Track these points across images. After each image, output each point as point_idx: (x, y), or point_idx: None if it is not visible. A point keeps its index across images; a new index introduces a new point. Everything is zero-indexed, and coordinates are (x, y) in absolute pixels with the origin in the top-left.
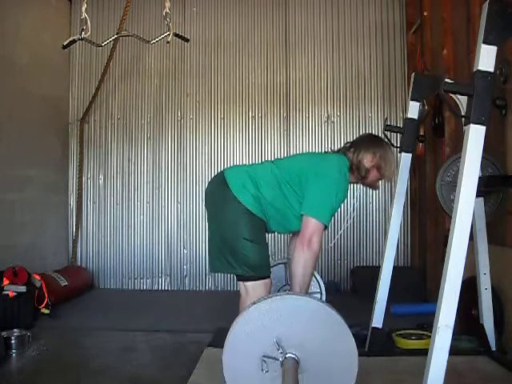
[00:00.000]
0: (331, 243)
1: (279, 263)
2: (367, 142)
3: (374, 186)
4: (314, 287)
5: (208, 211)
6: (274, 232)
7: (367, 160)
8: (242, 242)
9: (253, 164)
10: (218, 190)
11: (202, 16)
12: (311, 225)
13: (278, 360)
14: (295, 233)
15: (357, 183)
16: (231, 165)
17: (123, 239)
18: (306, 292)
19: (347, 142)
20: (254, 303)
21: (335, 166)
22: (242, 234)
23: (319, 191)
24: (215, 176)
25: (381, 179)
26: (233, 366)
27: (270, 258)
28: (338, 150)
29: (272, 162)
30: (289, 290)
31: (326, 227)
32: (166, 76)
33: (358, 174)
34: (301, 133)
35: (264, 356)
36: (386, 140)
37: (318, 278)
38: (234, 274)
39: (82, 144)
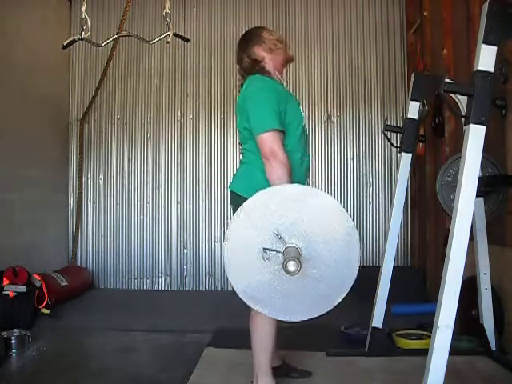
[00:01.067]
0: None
1: None
2: (240, 49)
3: (288, 60)
4: None
5: None
6: None
7: (253, 58)
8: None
9: None
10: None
11: (201, 16)
12: (264, 139)
13: (280, 252)
14: None
15: (281, 72)
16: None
17: (123, 239)
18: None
19: (239, 71)
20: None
21: (248, 85)
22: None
23: (252, 110)
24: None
25: (275, 51)
26: (235, 257)
27: None
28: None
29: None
30: None
31: (279, 131)
32: (166, 76)
33: (267, 71)
34: None
35: (265, 248)
36: (387, 140)
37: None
38: None
39: (82, 144)
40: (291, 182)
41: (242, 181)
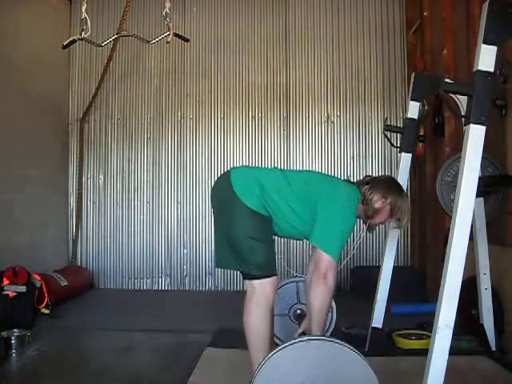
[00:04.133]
0: (346, 259)
1: (290, 282)
2: (384, 183)
3: (372, 228)
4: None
5: (214, 209)
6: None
7: (377, 201)
8: (248, 241)
9: (261, 168)
10: (223, 190)
11: (201, 16)
12: (325, 261)
13: None
14: (313, 255)
15: (361, 219)
16: (231, 165)
17: (123, 239)
18: (324, 325)
19: (366, 176)
20: (276, 350)
21: (347, 195)
22: (248, 233)
23: (329, 219)
24: (222, 175)
25: (384, 223)
26: None
27: (278, 263)
28: (357, 182)
29: (281, 170)
30: (301, 311)
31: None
32: (166, 76)
33: (366, 211)
34: (301, 133)
35: None
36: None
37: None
38: (239, 271)
39: (82, 144)
40: (329, 307)
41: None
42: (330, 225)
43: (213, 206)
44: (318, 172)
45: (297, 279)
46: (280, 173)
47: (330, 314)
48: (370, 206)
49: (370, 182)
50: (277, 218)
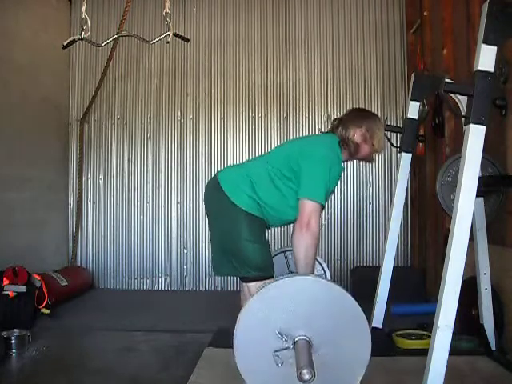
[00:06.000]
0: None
1: (279, 252)
2: (353, 116)
3: (368, 160)
4: (317, 271)
5: (208, 216)
6: (272, 227)
7: (355, 135)
8: (243, 244)
9: (246, 162)
10: (214, 195)
11: (201, 16)
12: (308, 207)
13: (290, 348)
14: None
15: (351, 160)
16: (231, 165)
17: (123, 239)
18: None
19: (334, 120)
20: (252, 297)
21: (324, 144)
22: (242, 236)
23: (311, 172)
24: (210, 180)
25: (373, 152)
26: (249, 368)
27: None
28: (330, 130)
29: (264, 156)
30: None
31: (322, 207)
32: (166, 76)
33: (349, 151)
34: (301, 133)
35: (275, 351)
36: (387, 140)
37: (321, 260)
38: (237, 276)
39: (81, 144)
40: (315, 255)
41: (244, 195)
42: (312, 177)
43: (206, 213)
44: (297, 138)
45: (284, 249)
46: (263, 162)
47: (320, 267)
48: (350, 143)
49: (340, 122)
50: (272, 209)
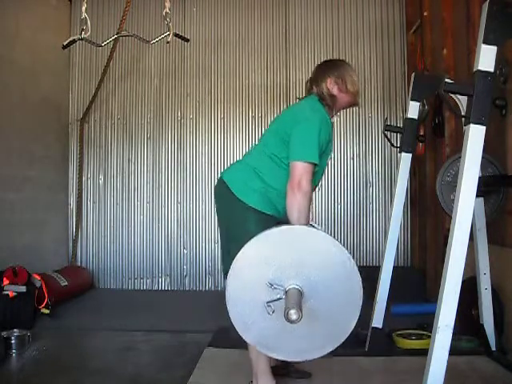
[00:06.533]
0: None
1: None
2: (320, 71)
3: (353, 105)
4: None
5: (217, 217)
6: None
7: (327, 87)
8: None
9: (246, 154)
10: (222, 196)
11: (201, 16)
12: (298, 168)
13: (282, 298)
14: None
15: (337, 112)
16: (233, 162)
17: (123, 239)
18: None
19: (306, 82)
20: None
21: (306, 107)
22: (251, 233)
23: (299, 135)
24: (217, 182)
25: (352, 97)
26: (240, 316)
27: None
28: (307, 93)
29: (260, 140)
30: None
31: (315, 165)
32: (166, 76)
33: (330, 104)
34: None
35: (267, 302)
36: (387, 139)
37: (313, 223)
38: None
39: (81, 144)
40: (308, 216)
41: (243, 184)
42: (300, 139)
43: (216, 214)
44: (283, 111)
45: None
46: (262, 147)
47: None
48: (327, 97)
49: (311, 81)
50: (281, 193)
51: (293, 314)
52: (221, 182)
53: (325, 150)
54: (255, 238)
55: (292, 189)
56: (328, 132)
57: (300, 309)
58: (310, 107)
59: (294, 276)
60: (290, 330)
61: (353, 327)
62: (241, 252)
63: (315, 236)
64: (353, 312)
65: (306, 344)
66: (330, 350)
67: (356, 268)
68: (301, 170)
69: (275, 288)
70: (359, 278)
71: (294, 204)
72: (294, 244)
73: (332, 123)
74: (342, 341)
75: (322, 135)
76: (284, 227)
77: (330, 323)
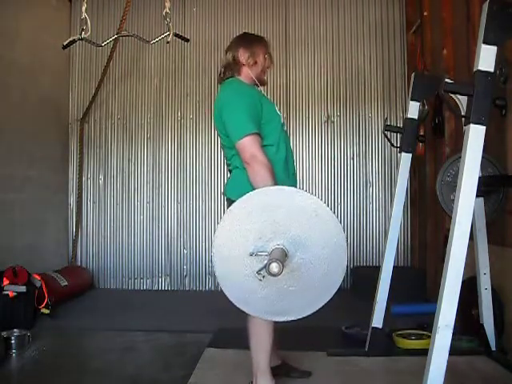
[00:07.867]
0: None
1: None
2: (229, 50)
3: (261, 81)
4: None
5: None
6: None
7: (242, 59)
8: None
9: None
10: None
11: (201, 16)
12: (241, 145)
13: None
14: None
15: (260, 85)
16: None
17: (123, 239)
18: None
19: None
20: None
21: (219, 95)
22: None
23: (227, 121)
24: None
25: (265, 68)
26: (230, 282)
27: None
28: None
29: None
30: None
31: (256, 134)
32: (166, 76)
33: (251, 75)
34: (301, 133)
35: (257, 272)
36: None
37: None
38: None
39: (81, 144)
40: (275, 182)
41: (234, 186)
42: (230, 120)
43: None
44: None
45: None
46: (223, 145)
47: None
48: (235, 69)
49: (226, 64)
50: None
51: (274, 268)
52: (228, 201)
53: (267, 115)
54: (227, 212)
55: (248, 164)
56: (252, 96)
57: (280, 261)
58: (229, 88)
59: (273, 237)
60: (287, 291)
61: (345, 266)
62: (218, 229)
63: (281, 193)
64: (340, 253)
65: (307, 297)
66: (334, 291)
67: (331, 212)
68: (246, 145)
69: (259, 255)
70: (336, 221)
71: (256, 177)
72: (265, 208)
73: (260, 91)
74: (340, 281)
75: (247, 104)
76: (250, 193)
77: (322, 268)
